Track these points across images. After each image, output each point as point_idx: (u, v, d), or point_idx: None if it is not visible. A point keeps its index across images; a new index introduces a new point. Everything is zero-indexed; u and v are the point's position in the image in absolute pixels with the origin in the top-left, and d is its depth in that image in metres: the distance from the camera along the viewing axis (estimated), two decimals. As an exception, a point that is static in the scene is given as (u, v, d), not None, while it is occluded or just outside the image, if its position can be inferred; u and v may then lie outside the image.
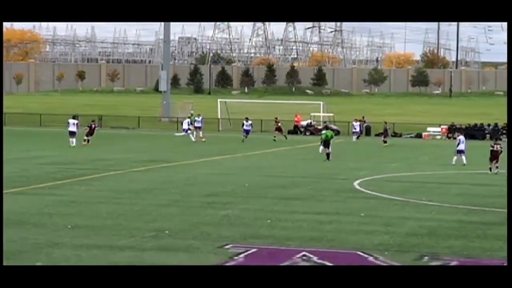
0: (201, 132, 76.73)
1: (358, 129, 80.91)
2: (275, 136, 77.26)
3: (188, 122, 77.45)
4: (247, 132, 76.35)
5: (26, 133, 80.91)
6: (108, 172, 46.60)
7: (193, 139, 74.42)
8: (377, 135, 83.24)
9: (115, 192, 38.63)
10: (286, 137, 78.38)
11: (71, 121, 64.15)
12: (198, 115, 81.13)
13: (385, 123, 77.72)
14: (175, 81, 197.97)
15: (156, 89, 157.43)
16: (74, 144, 62.65)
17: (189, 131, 75.64)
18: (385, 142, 72.59)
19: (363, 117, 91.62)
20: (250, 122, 77.98)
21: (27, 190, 38.80)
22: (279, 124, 78.32)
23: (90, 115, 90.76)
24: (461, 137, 55.69)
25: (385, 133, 74.71)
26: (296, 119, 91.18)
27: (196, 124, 77.98)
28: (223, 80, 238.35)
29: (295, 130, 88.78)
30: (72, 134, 63.56)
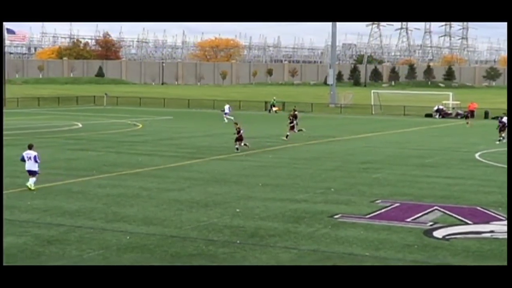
0: (226, 119, 68.86)
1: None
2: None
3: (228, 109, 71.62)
4: (226, 114, 70.51)
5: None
6: (288, 144, 46.82)
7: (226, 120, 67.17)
8: (493, 118, 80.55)
9: (293, 159, 38.81)
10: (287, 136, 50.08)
11: (27, 154, 27.68)
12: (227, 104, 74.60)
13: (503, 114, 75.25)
14: (339, 77, 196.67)
15: (325, 83, 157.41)
16: (32, 186, 27.09)
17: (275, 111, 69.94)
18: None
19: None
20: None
21: (229, 157, 39.38)
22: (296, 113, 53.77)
23: (277, 101, 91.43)
24: None
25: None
26: (471, 105, 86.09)
27: (226, 111, 71.24)
28: (375, 76, 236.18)
29: (430, 114, 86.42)
30: (31, 173, 27.48)
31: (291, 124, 51.17)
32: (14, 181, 28.63)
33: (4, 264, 16.34)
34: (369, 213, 23.56)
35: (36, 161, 27.34)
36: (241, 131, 41.93)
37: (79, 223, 21.33)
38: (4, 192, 26.22)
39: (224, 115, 70.54)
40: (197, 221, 21.84)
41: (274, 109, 79.06)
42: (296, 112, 53.86)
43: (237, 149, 41.09)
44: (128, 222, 21.54)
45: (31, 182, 27.17)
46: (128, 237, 19.58)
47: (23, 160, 27.63)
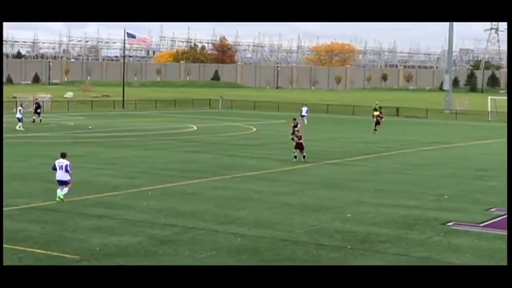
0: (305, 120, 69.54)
1: None
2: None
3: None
4: (303, 116, 70.63)
5: (343, 120, 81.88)
6: (402, 150, 46.32)
7: None
8: None
9: (406, 165, 38.35)
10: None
11: (59, 162, 24.97)
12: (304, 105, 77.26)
13: None
14: (455, 82, 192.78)
15: (441, 88, 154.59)
16: (62, 196, 24.56)
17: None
18: None
19: None
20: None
21: (342, 161, 39.27)
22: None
23: (389, 106, 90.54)
24: None
25: None
26: None
27: (303, 113, 72.86)
28: (493, 82, 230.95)
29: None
30: (62, 183, 24.83)
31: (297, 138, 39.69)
32: (131, 182, 29.43)
33: (122, 264, 16.82)
34: (483, 222, 23.06)
35: (67, 171, 24.70)
36: (302, 139, 38.80)
37: (191, 224, 21.65)
38: (121, 192, 27.01)
39: (302, 117, 70.21)
40: (308, 225, 21.86)
41: (375, 113, 78.18)
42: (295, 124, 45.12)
43: (295, 157, 38.51)
44: (240, 225, 21.75)
45: (62, 192, 24.64)
46: (239, 239, 19.76)
47: (54, 169, 24.97)
